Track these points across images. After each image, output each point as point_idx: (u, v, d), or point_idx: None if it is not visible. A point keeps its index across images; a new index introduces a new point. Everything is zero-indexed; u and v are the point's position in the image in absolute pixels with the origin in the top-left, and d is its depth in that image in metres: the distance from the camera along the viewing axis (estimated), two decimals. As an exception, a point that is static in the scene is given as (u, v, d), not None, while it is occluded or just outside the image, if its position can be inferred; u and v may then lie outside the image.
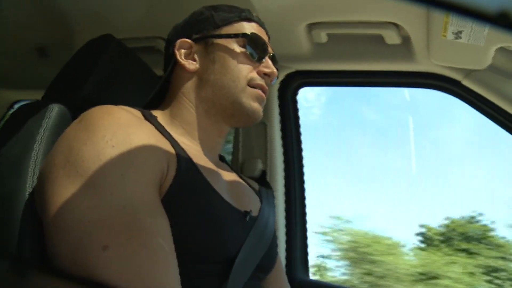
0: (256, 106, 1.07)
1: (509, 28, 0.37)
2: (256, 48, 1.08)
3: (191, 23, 1.11)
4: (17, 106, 2.37)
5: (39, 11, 1.61)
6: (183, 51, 1.09)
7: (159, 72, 1.22)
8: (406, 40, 1.47)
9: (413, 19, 1.34)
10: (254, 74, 1.07)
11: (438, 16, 1.22)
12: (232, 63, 1.05)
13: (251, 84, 1.06)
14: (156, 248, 0.74)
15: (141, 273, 0.71)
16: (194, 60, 1.08)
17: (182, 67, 1.08)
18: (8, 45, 1.81)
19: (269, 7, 1.38)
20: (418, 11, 1.29)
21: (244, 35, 1.07)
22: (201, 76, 1.07)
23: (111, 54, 1.17)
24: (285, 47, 1.58)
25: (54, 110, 1.02)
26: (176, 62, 1.09)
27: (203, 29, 1.09)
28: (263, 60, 1.09)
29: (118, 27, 1.57)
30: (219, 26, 1.08)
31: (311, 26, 1.50)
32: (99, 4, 1.53)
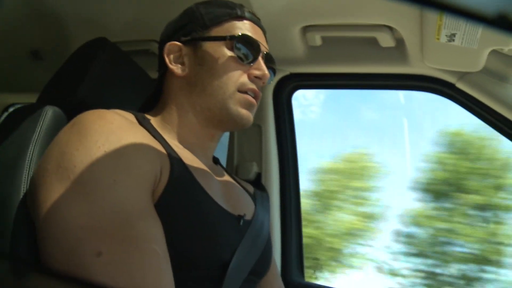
0: (244, 112, 1.03)
1: (507, 29, 0.38)
2: (246, 49, 1.04)
3: (181, 24, 1.08)
4: (11, 109, 2.37)
5: (34, 15, 1.61)
6: (172, 55, 1.06)
7: (154, 75, 1.21)
8: (400, 43, 1.48)
9: (407, 22, 1.34)
10: (244, 78, 1.03)
11: (432, 19, 1.23)
12: (221, 68, 1.02)
13: (241, 90, 1.03)
14: (150, 253, 0.74)
15: (135, 279, 0.70)
16: (183, 64, 1.05)
17: (171, 71, 1.06)
18: (2, 48, 1.80)
19: (263, 10, 1.38)
20: (412, 14, 1.29)
21: (232, 37, 1.03)
22: (189, 80, 1.05)
23: (105, 57, 1.17)
24: (280, 50, 1.58)
25: (49, 112, 1.02)
26: (166, 66, 1.07)
27: (191, 30, 1.05)
28: (255, 61, 1.05)
29: (112, 30, 1.57)
30: (208, 27, 1.05)
31: (306, 29, 1.51)
32: (93, 8, 1.52)
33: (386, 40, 1.47)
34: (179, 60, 1.06)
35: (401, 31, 1.40)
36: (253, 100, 1.05)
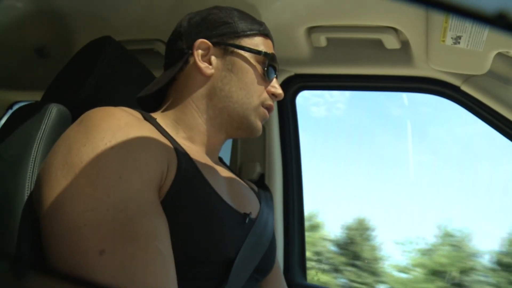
0: (259, 125, 1.09)
1: (507, 28, 0.37)
2: (271, 68, 1.08)
3: (211, 23, 1.07)
4: (16, 107, 2.38)
5: (38, 12, 1.61)
6: (200, 51, 1.05)
7: (158, 74, 1.21)
8: (405, 45, 1.48)
9: (412, 24, 1.34)
10: (266, 94, 1.08)
11: (437, 21, 1.23)
12: (250, 79, 1.05)
13: (264, 105, 1.08)
14: (153, 251, 0.73)
15: (138, 277, 0.70)
16: (210, 63, 1.05)
17: (198, 69, 1.05)
18: (7, 46, 1.80)
19: (269, 10, 1.38)
20: (417, 16, 1.29)
21: (266, 54, 1.07)
22: (214, 83, 1.05)
23: (110, 56, 1.17)
24: (285, 51, 1.58)
25: (54, 110, 1.02)
26: (187, 61, 1.06)
27: (223, 34, 1.05)
28: (273, 80, 1.10)
29: (117, 29, 1.57)
30: (239, 36, 1.06)
31: (311, 30, 1.51)
32: (98, 6, 1.53)
33: (391, 42, 1.47)
34: (205, 59, 1.05)
35: (406, 33, 1.40)
36: (268, 115, 1.11)
